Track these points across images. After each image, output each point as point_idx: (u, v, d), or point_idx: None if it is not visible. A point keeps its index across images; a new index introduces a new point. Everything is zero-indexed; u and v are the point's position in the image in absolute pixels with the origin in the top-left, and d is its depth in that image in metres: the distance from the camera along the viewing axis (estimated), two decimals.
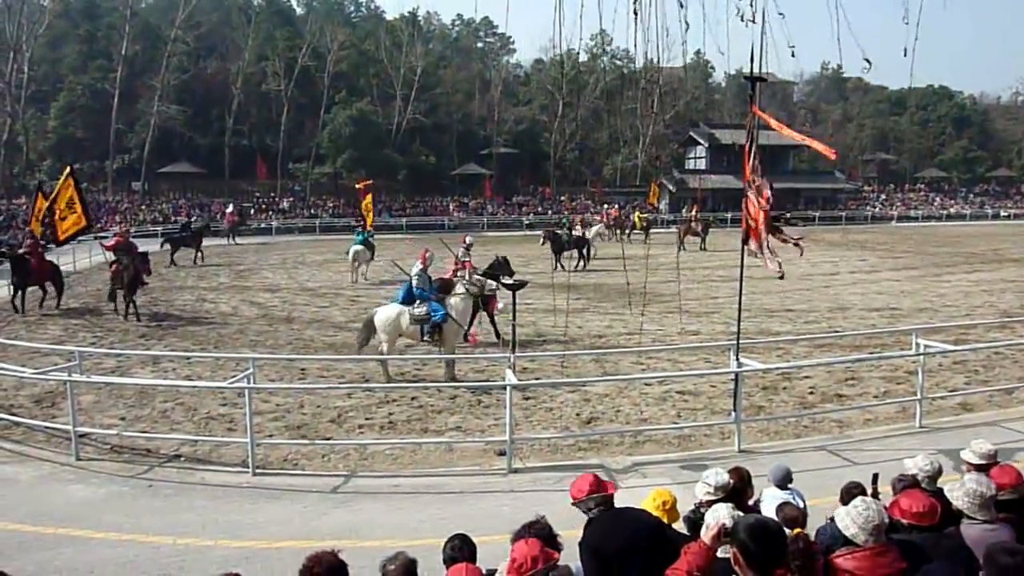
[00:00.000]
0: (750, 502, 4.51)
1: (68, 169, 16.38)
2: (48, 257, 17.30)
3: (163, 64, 47.15)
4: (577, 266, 24.01)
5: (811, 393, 10.12)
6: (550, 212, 48.90)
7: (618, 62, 58.54)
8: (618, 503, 3.77)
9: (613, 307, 17.09)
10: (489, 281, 11.95)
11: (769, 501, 4.69)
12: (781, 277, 8.04)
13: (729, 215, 45.77)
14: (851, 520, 3.05)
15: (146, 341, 13.74)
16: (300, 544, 5.44)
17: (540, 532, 3.34)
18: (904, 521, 3.41)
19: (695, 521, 4.03)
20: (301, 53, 49.25)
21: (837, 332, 13.74)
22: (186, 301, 18.52)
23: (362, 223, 26.80)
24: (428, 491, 7.02)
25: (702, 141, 54.35)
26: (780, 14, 8.87)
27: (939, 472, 4.23)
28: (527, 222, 46.44)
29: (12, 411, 9.27)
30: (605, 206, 43.85)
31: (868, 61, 9.52)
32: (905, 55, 9.67)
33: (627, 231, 33.29)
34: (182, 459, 7.96)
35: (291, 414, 9.33)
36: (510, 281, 11.03)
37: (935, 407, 9.36)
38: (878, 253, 31.05)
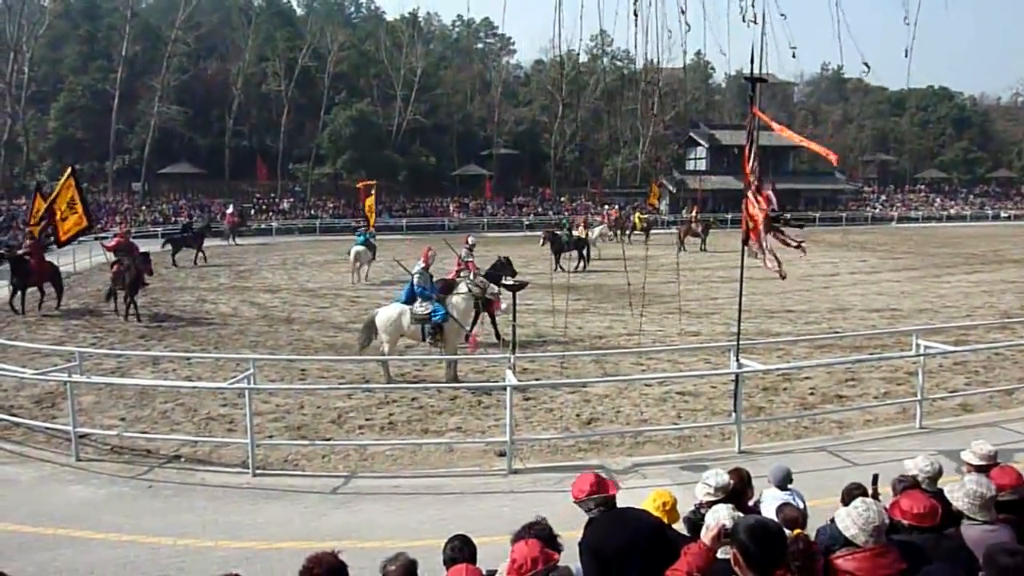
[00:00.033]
0: (750, 503, 4.52)
1: (69, 170, 16.44)
2: (48, 258, 17.31)
3: (163, 65, 47.09)
4: (577, 267, 24.00)
5: (811, 394, 10.12)
6: (550, 213, 48.85)
7: (618, 63, 58.54)
8: (618, 504, 3.76)
9: (613, 308, 17.09)
10: (492, 285, 11.94)
11: (769, 502, 4.69)
12: (783, 277, 8.03)
13: (729, 216, 45.70)
14: (851, 521, 3.05)
15: (146, 342, 13.75)
16: (300, 545, 5.45)
17: (540, 533, 3.34)
18: (904, 522, 3.42)
19: (695, 522, 4.03)
20: (301, 54, 49.22)
21: (837, 333, 13.74)
22: (186, 302, 18.53)
23: (364, 223, 26.80)
24: (428, 492, 7.02)
25: (702, 142, 54.36)
26: (781, 15, 8.91)
27: (939, 473, 4.23)
28: (527, 223, 46.38)
29: (12, 412, 9.27)
30: (605, 207, 43.88)
31: (867, 65, 9.58)
32: (905, 55, 9.72)
33: (627, 232, 33.31)
34: (182, 460, 7.96)
35: (291, 415, 9.34)
36: (511, 282, 11.03)
37: (935, 408, 9.37)
38: (878, 254, 31.05)
